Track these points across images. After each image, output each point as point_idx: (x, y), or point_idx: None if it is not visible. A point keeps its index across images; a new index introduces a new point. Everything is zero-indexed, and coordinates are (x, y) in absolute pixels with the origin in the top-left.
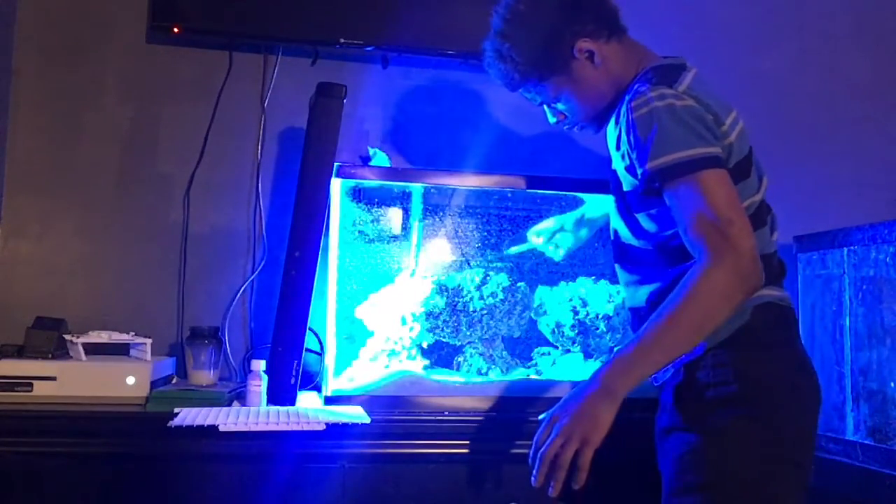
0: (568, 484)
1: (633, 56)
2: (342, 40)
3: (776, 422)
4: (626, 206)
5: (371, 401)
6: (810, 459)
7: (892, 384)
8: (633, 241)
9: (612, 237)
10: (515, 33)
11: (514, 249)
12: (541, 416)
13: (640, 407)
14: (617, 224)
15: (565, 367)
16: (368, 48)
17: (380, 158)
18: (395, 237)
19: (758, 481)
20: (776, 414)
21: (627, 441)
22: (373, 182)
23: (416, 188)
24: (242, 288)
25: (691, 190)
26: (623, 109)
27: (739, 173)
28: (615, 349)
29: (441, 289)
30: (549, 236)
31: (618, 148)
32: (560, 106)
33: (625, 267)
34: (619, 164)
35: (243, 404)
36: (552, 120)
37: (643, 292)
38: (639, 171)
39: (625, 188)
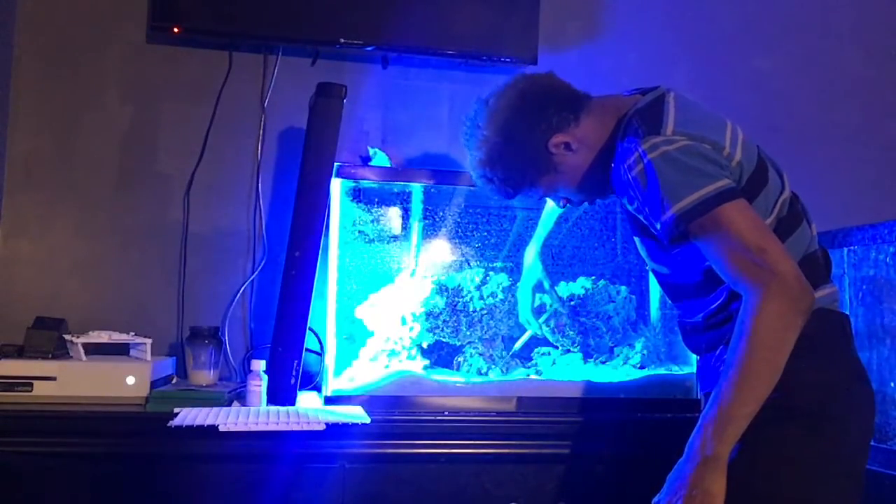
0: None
1: (606, 114)
2: (342, 40)
3: (832, 435)
4: (661, 246)
5: (371, 401)
6: (864, 470)
7: (892, 384)
8: (680, 280)
9: (655, 277)
10: (492, 158)
11: (519, 343)
12: (654, 501)
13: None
14: (656, 266)
15: (565, 367)
16: (368, 48)
17: (380, 158)
18: (395, 237)
19: (813, 498)
20: (833, 427)
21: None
22: (373, 182)
23: (416, 188)
24: (242, 288)
25: (713, 230)
26: (622, 169)
27: (757, 183)
28: (700, 415)
29: (441, 289)
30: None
31: (631, 203)
32: (560, 194)
33: (683, 303)
34: (638, 213)
35: (243, 404)
36: (559, 207)
37: (700, 312)
38: (658, 226)
39: (653, 230)
